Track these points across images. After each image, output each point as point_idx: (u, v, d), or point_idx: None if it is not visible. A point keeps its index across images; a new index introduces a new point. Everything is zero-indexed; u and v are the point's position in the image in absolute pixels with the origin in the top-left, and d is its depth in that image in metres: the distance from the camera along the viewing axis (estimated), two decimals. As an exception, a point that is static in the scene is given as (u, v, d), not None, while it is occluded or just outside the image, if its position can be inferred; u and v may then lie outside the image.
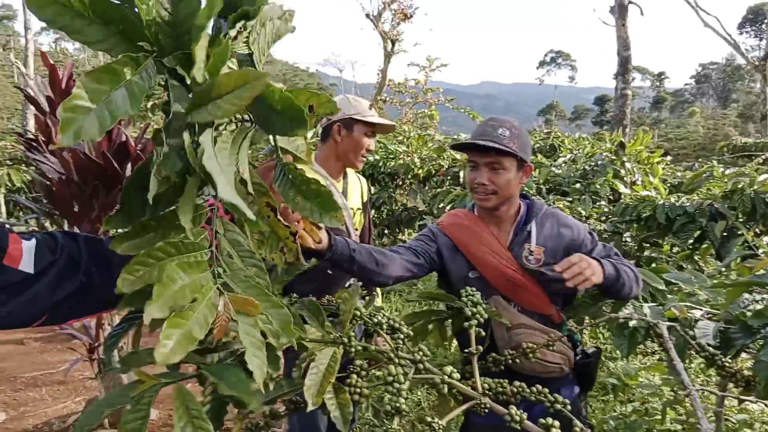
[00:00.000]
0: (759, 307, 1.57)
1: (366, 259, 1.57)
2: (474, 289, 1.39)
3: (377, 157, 7.49)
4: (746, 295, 1.71)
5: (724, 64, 76.54)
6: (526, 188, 5.11)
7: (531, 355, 1.41)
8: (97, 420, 0.79)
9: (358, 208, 2.41)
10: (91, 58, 46.06)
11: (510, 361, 1.42)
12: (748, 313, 1.55)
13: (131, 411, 0.75)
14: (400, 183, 7.75)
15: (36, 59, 16.34)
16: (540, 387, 1.22)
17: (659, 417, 2.82)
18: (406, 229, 8.27)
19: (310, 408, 0.93)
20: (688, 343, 1.50)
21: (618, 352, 1.87)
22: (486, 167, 1.71)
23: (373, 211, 7.62)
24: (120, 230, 0.79)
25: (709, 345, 1.48)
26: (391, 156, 7.51)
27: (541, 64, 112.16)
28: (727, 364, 1.43)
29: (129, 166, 2.67)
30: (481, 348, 1.23)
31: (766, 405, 1.60)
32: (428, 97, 12.74)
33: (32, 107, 2.77)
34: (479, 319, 1.29)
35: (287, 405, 1.17)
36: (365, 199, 2.49)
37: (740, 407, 3.06)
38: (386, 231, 8.21)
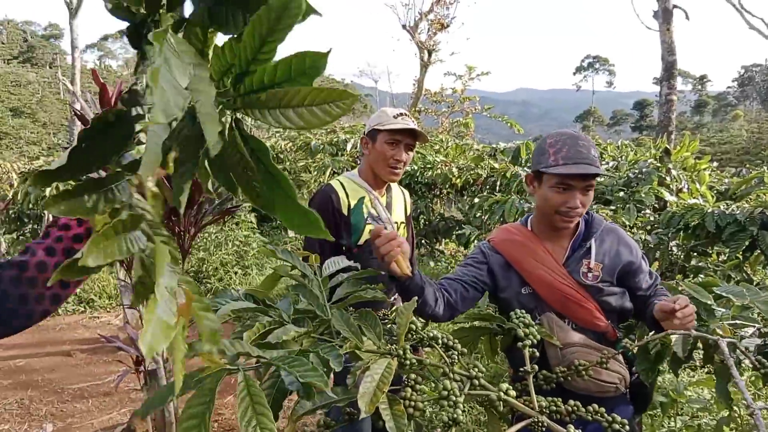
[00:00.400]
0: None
1: (430, 295, 1.61)
2: (524, 311, 1.38)
3: (415, 167, 7.51)
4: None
5: (769, 66, 74.29)
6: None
7: (584, 372, 1.39)
8: (163, 403, 0.81)
9: (402, 222, 2.42)
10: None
11: (562, 379, 1.40)
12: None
13: (195, 396, 0.77)
14: (438, 193, 7.74)
15: (82, 76, 16.91)
16: (596, 406, 1.20)
17: (712, 433, 2.73)
18: (443, 239, 8.25)
19: (363, 415, 0.94)
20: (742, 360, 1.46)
21: (665, 366, 1.82)
22: (581, 190, 1.68)
23: (410, 221, 7.63)
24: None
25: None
26: (429, 166, 7.52)
27: (578, 69, 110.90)
28: None
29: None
30: (536, 367, 1.22)
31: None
32: (465, 105, 12.72)
33: (79, 123, 2.86)
34: (532, 340, 1.28)
35: (334, 417, 1.17)
36: (409, 212, 2.49)
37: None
38: (423, 241, 8.21)
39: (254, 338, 1.09)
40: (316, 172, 8.25)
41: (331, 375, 0.99)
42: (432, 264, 7.95)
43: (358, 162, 8.07)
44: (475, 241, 8.07)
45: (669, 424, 3.33)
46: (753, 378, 3.66)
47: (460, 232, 7.39)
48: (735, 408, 3.17)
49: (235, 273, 6.62)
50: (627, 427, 1.13)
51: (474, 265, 1.82)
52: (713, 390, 3.24)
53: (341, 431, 2.20)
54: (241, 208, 7.88)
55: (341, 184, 2.28)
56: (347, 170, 7.96)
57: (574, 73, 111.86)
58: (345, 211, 2.21)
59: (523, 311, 1.37)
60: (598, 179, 5.32)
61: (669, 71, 8.59)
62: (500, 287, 1.80)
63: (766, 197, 3.99)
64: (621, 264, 1.73)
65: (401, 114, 2.27)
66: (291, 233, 8.95)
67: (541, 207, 1.75)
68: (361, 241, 2.22)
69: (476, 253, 1.87)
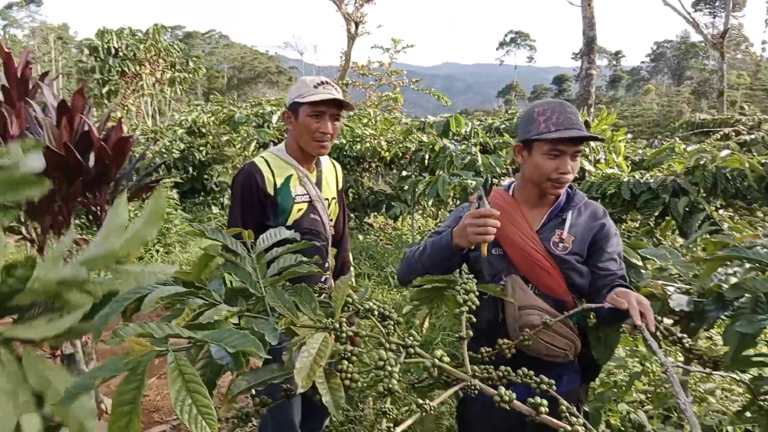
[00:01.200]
0: (734, 280, 1.61)
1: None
2: (470, 277, 1.40)
3: (343, 141, 7.44)
4: (719, 269, 1.76)
5: (679, 42, 78.28)
6: (497, 168, 5.15)
7: (512, 343, 1.43)
8: (89, 388, 0.77)
9: (333, 198, 2.33)
10: (42, 45, 44.24)
11: (496, 349, 1.43)
12: (724, 286, 1.59)
13: (126, 381, 0.74)
14: (367, 166, 7.74)
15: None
16: (525, 370, 1.23)
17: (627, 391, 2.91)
18: (372, 213, 8.29)
19: (300, 390, 0.93)
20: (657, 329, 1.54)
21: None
22: (571, 156, 1.69)
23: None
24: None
25: (681, 315, 1.54)
26: (357, 139, 7.48)
27: (501, 44, 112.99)
28: (694, 348, 1.48)
29: (92, 155, 2.58)
30: (471, 333, 1.25)
31: (733, 377, 1.67)
32: (392, 79, 12.71)
33: (-14, 96, 2.65)
34: (471, 306, 1.30)
35: (269, 395, 1.15)
36: (341, 186, 2.40)
37: (701, 377, 3.17)
38: (353, 215, 8.21)
39: (186, 322, 1.05)
40: (239, 145, 8.02)
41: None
42: (361, 237, 7.97)
43: (286, 135, 7.88)
44: (406, 216, 8.15)
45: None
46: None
47: (391, 210, 7.44)
48: (647, 365, 3.38)
49: (157, 251, 6.39)
50: (554, 388, 1.17)
51: None
52: (627, 348, 3.45)
53: (268, 415, 2.19)
54: (161, 183, 7.58)
55: (266, 161, 2.15)
56: (273, 143, 7.81)
57: (497, 48, 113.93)
58: (271, 191, 2.09)
59: (470, 276, 1.40)
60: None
61: (589, 46, 8.89)
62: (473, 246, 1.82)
63: (677, 167, 4.21)
64: (592, 240, 1.77)
65: (322, 83, 2.13)
66: (215, 209, 8.72)
67: (531, 176, 1.75)
68: (290, 222, 2.11)
69: (453, 220, 1.87)
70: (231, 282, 1.24)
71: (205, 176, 8.86)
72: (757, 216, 3.86)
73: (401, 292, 5.61)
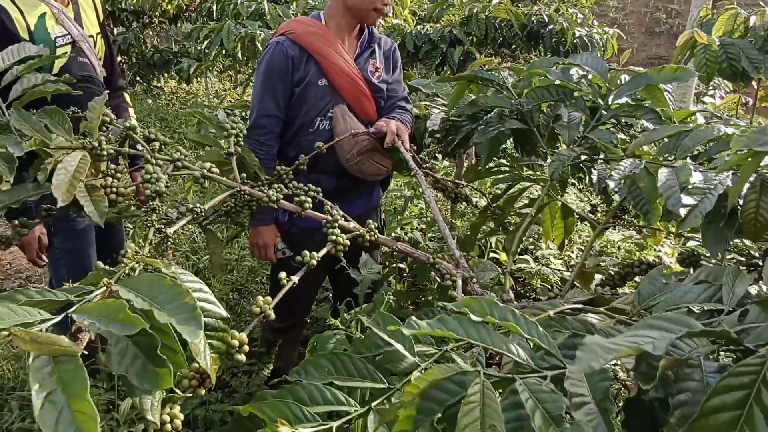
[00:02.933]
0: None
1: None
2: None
3: (115, -11, 6.59)
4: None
5: None
6: (286, 19, 5.01)
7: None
8: None
9: (98, 33, 2.08)
10: None
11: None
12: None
13: None
14: (148, 21, 7.03)
15: None
16: (296, 183, 1.37)
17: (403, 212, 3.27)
18: (161, 75, 7.70)
19: (60, 204, 0.92)
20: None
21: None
22: None
23: (119, 57, 6.88)
24: None
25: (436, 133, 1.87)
26: (132, -12, 6.66)
27: None
28: (425, 163, 1.83)
29: None
30: (239, 150, 1.34)
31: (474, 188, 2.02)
32: None
33: None
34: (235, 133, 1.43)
35: (22, 220, 1.11)
36: (102, 18, 2.14)
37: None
38: (138, 78, 7.54)
39: None
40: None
41: None
42: (150, 102, 7.43)
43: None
44: (200, 78, 7.66)
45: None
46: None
47: (179, 66, 6.93)
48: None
49: None
50: (321, 195, 1.36)
51: (277, 84, 1.83)
52: (406, 180, 3.84)
53: (62, 241, 2.04)
54: None
55: None
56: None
57: None
58: (24, 35, 1.79)
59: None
60: (312, 3, 5.38)
61: None
62: (297, 80, 1.85)
63: (455, 18, 4.47)
64: (392, 66, 1.99)
65: None
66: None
67: (360, 4, 1.80)
68: (55, 71, 1.83)
69: (277, 61, 1.83)
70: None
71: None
72: (519, 62, 4.32)
73: (197, 153, 5.44)
